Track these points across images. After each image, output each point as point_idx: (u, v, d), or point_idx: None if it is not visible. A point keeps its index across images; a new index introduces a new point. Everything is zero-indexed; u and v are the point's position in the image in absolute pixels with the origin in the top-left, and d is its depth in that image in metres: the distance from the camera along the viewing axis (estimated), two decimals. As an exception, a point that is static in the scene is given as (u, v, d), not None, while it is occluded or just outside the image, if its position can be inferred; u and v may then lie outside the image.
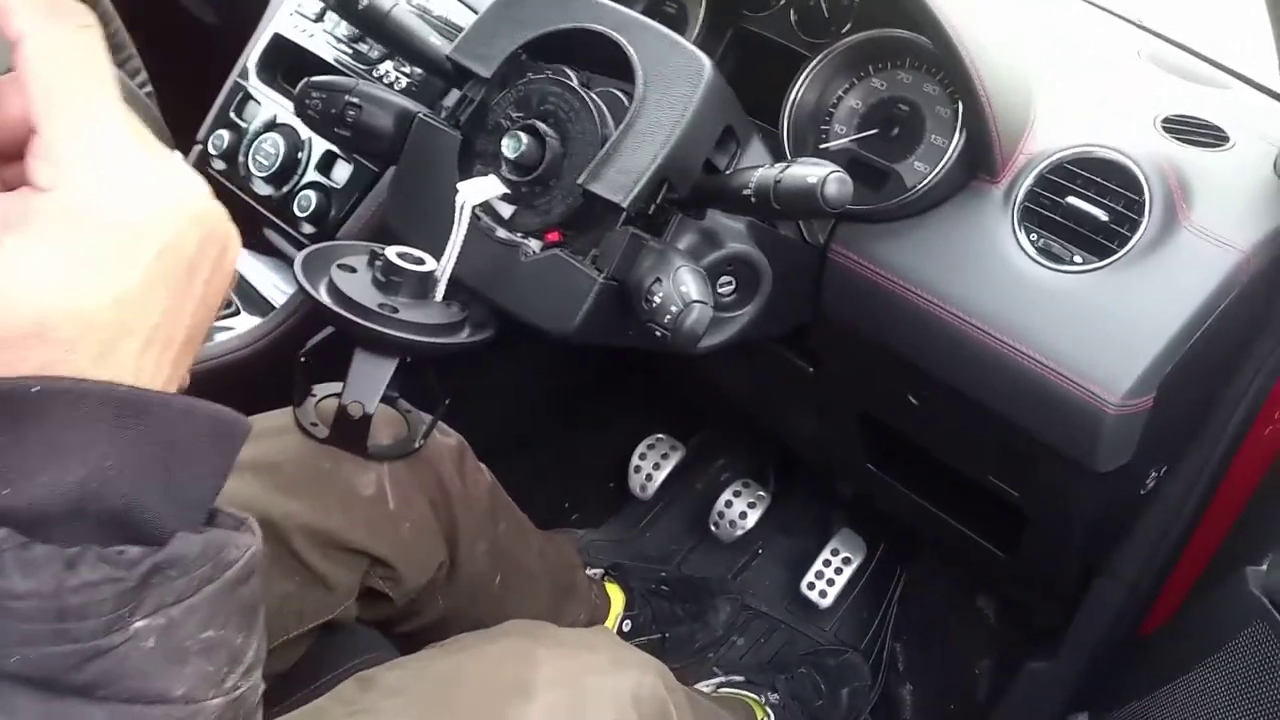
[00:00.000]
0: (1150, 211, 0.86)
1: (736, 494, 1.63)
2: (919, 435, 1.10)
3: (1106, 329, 0.84)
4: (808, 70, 0.97)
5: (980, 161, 0.91)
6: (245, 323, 1.23)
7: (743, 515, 1.61)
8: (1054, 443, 0.88)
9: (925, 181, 0.91)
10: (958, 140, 0.91)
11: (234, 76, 1.31)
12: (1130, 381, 0.82)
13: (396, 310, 0.79)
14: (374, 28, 0.93)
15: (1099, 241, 0.86)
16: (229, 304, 1.26)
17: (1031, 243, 0.88)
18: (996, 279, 0.88)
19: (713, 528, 1.62)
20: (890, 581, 1.57)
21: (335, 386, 0.83)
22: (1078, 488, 0.96)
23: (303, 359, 0.86)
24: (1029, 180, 0.90)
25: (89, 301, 0.38)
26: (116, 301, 0.39)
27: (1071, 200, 0.87)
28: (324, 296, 0.79)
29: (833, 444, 1.30)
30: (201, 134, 1.30)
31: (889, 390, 1.04)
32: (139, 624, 0.39)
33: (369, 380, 0.80)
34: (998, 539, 1.17)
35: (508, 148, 0.81)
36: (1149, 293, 0.84)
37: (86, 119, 0.40)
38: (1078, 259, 0.87)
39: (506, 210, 0.85)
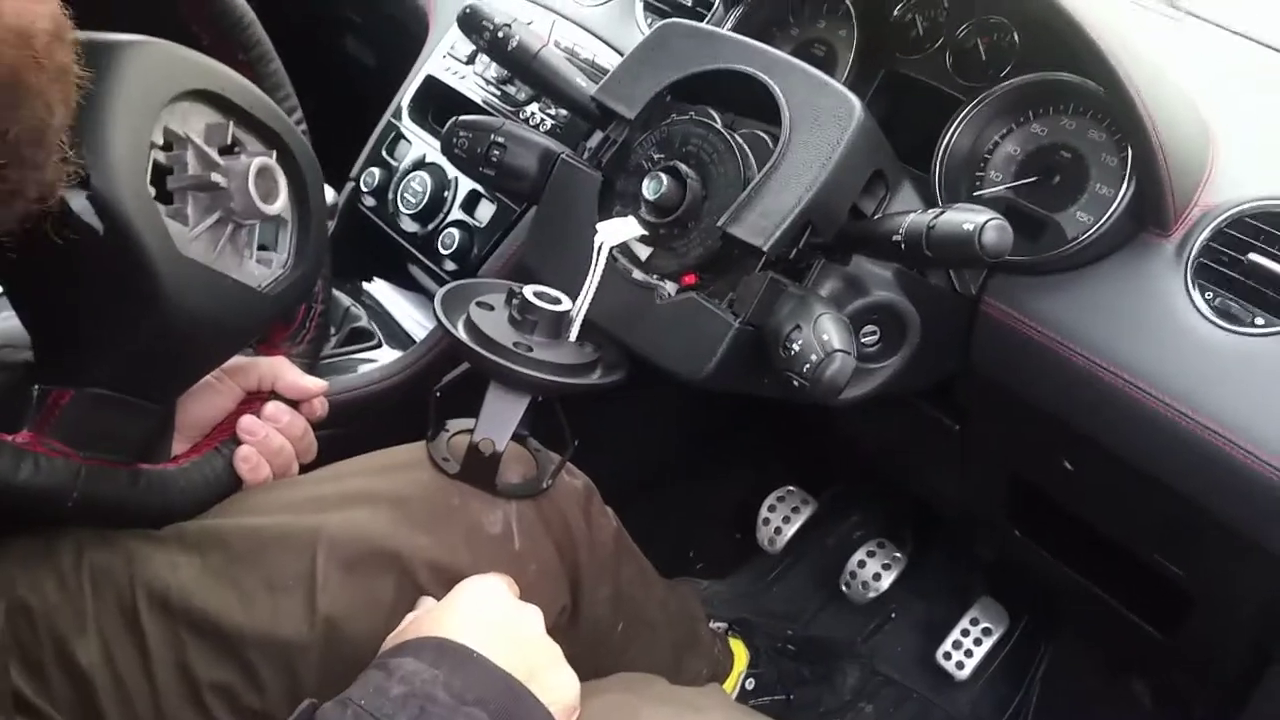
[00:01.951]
0: (1346, 271, 0.78)
1: (870, 554, 1.57)
2: (1072, 503, 1.03)
3: (1293, 398, 0.76)
4: (963, 114, 0.93)
5: (1150, 213, 0.85)
6: (386, 355, 1.26)
7: (876, 576, 1.54)
8: (1228, 520, 0.80)
9: (1088, 233, 0.85)
10: (1125, 190, 0.85)
11: (387, 116, 1.35)
12: (1320, 457, 0.75)
13: (531, 349, 0.79)
14: (521, 68, 0.94)
15: (1283, 302, 0.79)
16: (371, 337, 1.29)
17: (1207, 301, 0.81)
18: (1166, 340, 0.81)
19: (844, 587, 1.56)
20: (1034, 656, 1.47)
21: (469, 422, 0.83)
22: (1253, 569, 0.87)
23: (437, 394, 0.87)
24: (1205, 234, 0.83)
25: None
26: None
27: (1254, 258, 0.80)
28: (461, 333, 0.80)
29: (976, 506, 1.23)
30: (355, 171, 1.35)
31: (1041, 453, 0.98)
32: None
33: (501, 418, 0.80)
34: (1156, 617, 1.08)
35: (648, 189, 0.80)
36: (1344, 360, 0.76)
37: None
38: (1259, 320, 0.79)
39: (644, 252, 0.84)
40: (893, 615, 1.54)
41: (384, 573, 0.78)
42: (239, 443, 0.84)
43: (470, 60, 1.31)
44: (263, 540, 0.78)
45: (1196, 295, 0.82)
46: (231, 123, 0.72)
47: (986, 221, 0.67)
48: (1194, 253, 0.83)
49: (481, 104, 1.27)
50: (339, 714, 0.61)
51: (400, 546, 0.79)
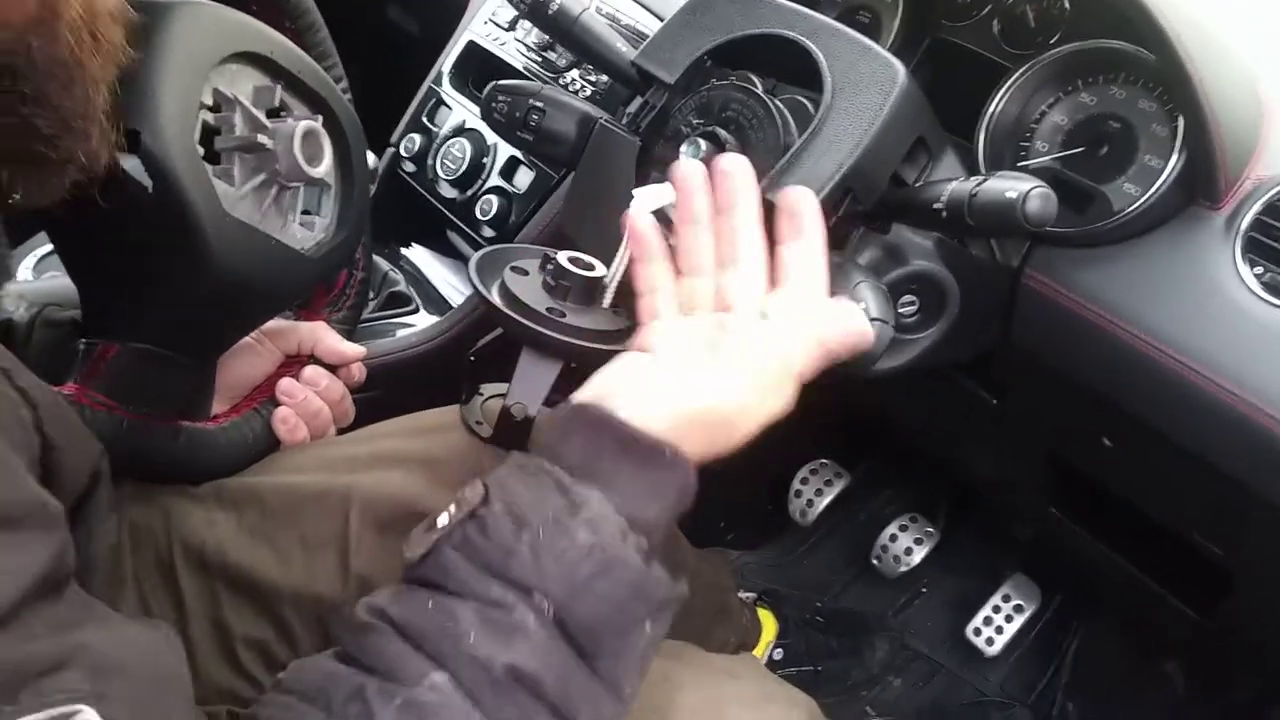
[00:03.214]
0: (1400, 247, 0.76)
1: (903, 528, 1.56)
2: (1112, 480, 1.01)
3: (1344, 377, 0.74)
4: (1010, 82, 0.91)
5: (1201, 186, 0.83)
6: (423, 320, 1.27)
7: (908, 551, 1.54)
8: (1273, 499, 0.79)
9: (1136, 205, 0.83)
10: (1176, 162, 0.83)
11: (428, 82, 1.35)
12: (1370, 437, 0.73)
13: (564, 314, 0.79)
14: (562, 33, 0.93)
15: (1337, 279, 0.77)
16: (409, 301, 1.30)
17: (1257, 277, 0.79)
18: (1214, 315, 0.79)
19: (875, 561, 1.55)
20: (1066, 635, 1.46)
21: (502, 387, 0.83)
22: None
23: (471, 358, 0.87)
24: (1256, 208, 0.81)
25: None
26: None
27: (1306, 232, 0.78)
28: (494, 297, 0.80)
29: (1013, 483, 1.22)
30: (395, 137, 1.35)
31: (1081, 429, 0.96)
32: None
33: (533, 382, 0.80)
34: (1192, 598, 1.06)
35: (686, 154, 0.79)
36: (1397, 338, 0.74)
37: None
38: (1311, 297, 0.77)
39: (681, 218, 0.83)
40: (924, 590, 1.54)
41: (417, 531, 0.79)
42: (278, 404, 0.86)
43: (511, 26, 1.30)
44: (298, 498, 0.79)
45: (1246, 270, 0.80)
46: (279, 86, 0.73)
47: (1031, 190, 0.65)
48: (1245, 226, 0.81)
49: (522, 70, 1.26)
50: (512, 535, 0.54)
51: (432, 507, 0.79)
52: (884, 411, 1.40)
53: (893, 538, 1.56)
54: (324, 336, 0.89)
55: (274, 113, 0.73)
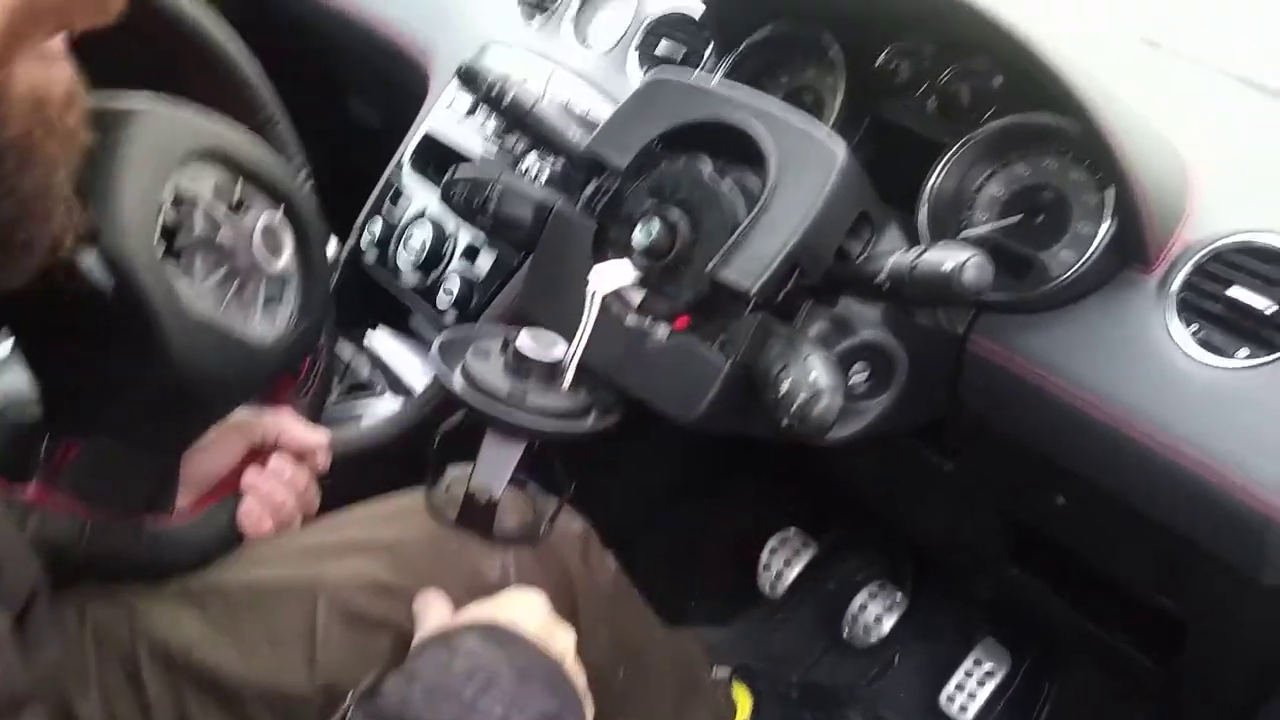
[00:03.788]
0: (1323, 302, 0.79)
1: (872, 596, 1.56)
2: (1066, 536, 1.03)
3: (1276, 428, 0.77)
4: (947, 158, 0.95)
5: (1132, 250, 0.86)
6: (388, 405, 1.27)
7: (878, 620, 1.54)
8: (1217, 552, 0.81)
9: (1071, 271, 0.87)
10: (1107, 228, 0.87)
11: (389, 170, 1.38)
12: (1305, 486, 0.75)
13: (526, 395, 0.80)
14: (517, 120, 0.96)
15: (1264, 335, 0.80)
16: (374, 386, 1.30)
17: (1192, 335, 0.83)
18: (1151, 373, 0.82)
19: (845, 631, 1.55)
20: (1038, 696, 1.46)
21: (468, 469, 0.84)
22: (1244, 601, 0.88)
23: (435, 441, 0.88)
24: (1186, 270, 0.84)
25: None
26: None
27: (1234, 291, 0.82)
28: (456, 381, 0.81)
29: (973, 544, 1.23)
30: (358, 223, 1.37)
31: (1034, 489, 0.98)
32: None
33: (497, 464, 0.81)
34: (1152, 649, 1.08)
35: (638, 235, 0.82)
36: (1325, 390, 0.77)
37: None
38: (1243, 353, 0.81)
39: (637, 296, 0.86)
40: (895, 660, 1.53)
41: (383, 621, 0.79)
42: (242, 496, 0.85)
43: (471, 112, 1.33)
44: (263, 592, 0.79)
45: (1179, 329, 0.83)
46: (239, 180, 0.74)
47: (966, 260, 0.68)
48: (1176, 288, 0.84)
49: (481, 155, 1.29)
50: (404, 688, 0.64)
51: (400, 592, 0.80)
52: (846, 478, 1.42)
53: (862, 606, 1.56)
54: (288, 426, 0.89)
55: (235, 207, 0.74)
